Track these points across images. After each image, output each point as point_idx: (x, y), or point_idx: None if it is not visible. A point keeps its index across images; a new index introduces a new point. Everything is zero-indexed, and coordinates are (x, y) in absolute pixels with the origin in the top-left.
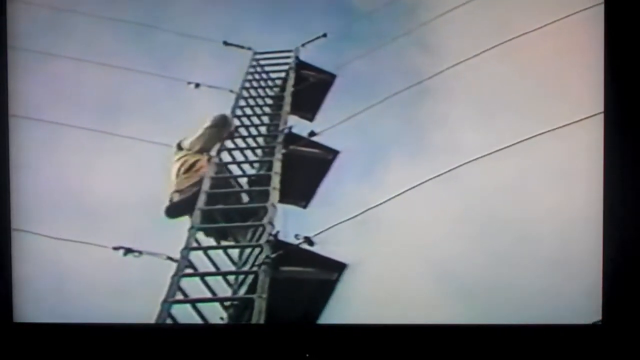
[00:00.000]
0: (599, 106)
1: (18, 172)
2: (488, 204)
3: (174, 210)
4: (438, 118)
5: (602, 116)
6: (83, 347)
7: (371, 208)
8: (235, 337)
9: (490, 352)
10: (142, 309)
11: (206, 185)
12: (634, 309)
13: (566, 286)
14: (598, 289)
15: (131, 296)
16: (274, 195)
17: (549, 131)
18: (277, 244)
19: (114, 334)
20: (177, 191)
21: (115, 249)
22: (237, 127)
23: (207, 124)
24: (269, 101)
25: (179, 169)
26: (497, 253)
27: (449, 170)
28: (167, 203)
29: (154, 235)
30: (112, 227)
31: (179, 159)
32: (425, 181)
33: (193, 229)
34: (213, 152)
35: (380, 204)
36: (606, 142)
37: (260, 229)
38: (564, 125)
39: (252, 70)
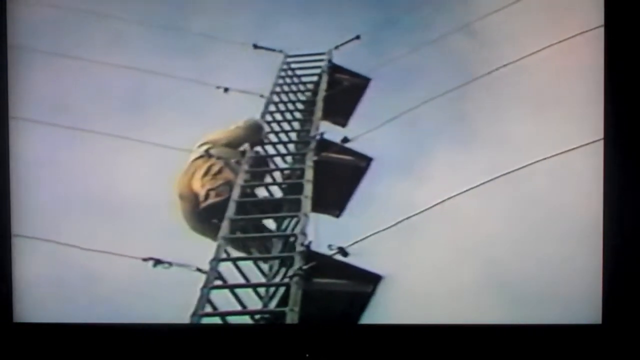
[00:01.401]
0: (599, 132)
1: (18, 172)
2: (487, 208)
3: (210, 211)
4: (480, 122)
5: (602, 134)
6: (83, 347)
7: (408, 217)
8: (235, 338)
9: (491, 352)
10: (169, 319)
11: (235, 194)
12: (634, 309)
13: (566, 286)
14: (598, 289)
15: (158, 304)
16: (306, 204)
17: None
18: (309, 255)
19: (115, 334)
20: (211, 189)
21: (145, 260)
22: (266, 133)
23: (240, 123)
24: (300, 106)
25: (198, 173)
26: (497, 254)
27: (480, 184)
28: (203, 203)
29: (182, 246)
30: (112, 228)
31: (201, 162)
32: (459, 193)
33: (222, 239)
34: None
35: (418, 212)
36: (606, 145)
37: (292, 239)
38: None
39: (283, 74)
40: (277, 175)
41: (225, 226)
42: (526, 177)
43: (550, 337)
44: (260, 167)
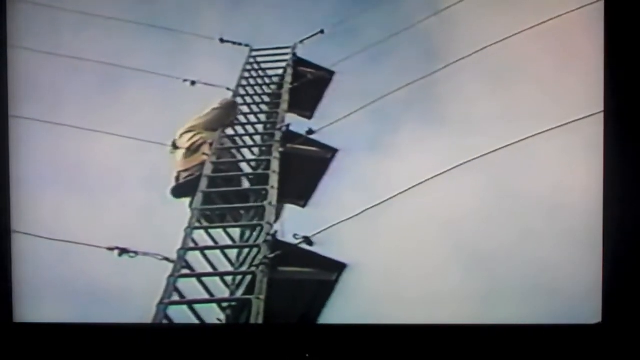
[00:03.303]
0: (599, 105)
1: (18, 171)
2: (483, 205)
3: (180, 190)
4: (442, 115)
5: (601, 115)
6: (83, 347)
7: (371, 207)
8: (234, 337)
9: (490, 352)
10: (139, 310)
11: (204, 185)
12: (634, 309)
13: (566, 286)
14: (598, 289)
15: (128, 297)
16: (272, 195)
17: (549, 130)
18: (275, 244)
19: (114, 334)
20: (184, 170)
21: (110, 249)
22: (234, 124)
23: (215, 105)
24: (266, 99)
25: (187, 150)
26: (496, 254)
27: (447, 170)
28: (173, 183)
29: (151, 235)
30: (111, 226)
31: (187, 139)
32: (424, 181)
33: (189, 228)
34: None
35: (381, 202)
36: (606, 141)
37: (259, 228)
38: (564, 124)
39: (249, 67)
40: (244, 166)
41: (192, 215)
42: (525, 175)
43: (550, 337)
44: (227, 158)
